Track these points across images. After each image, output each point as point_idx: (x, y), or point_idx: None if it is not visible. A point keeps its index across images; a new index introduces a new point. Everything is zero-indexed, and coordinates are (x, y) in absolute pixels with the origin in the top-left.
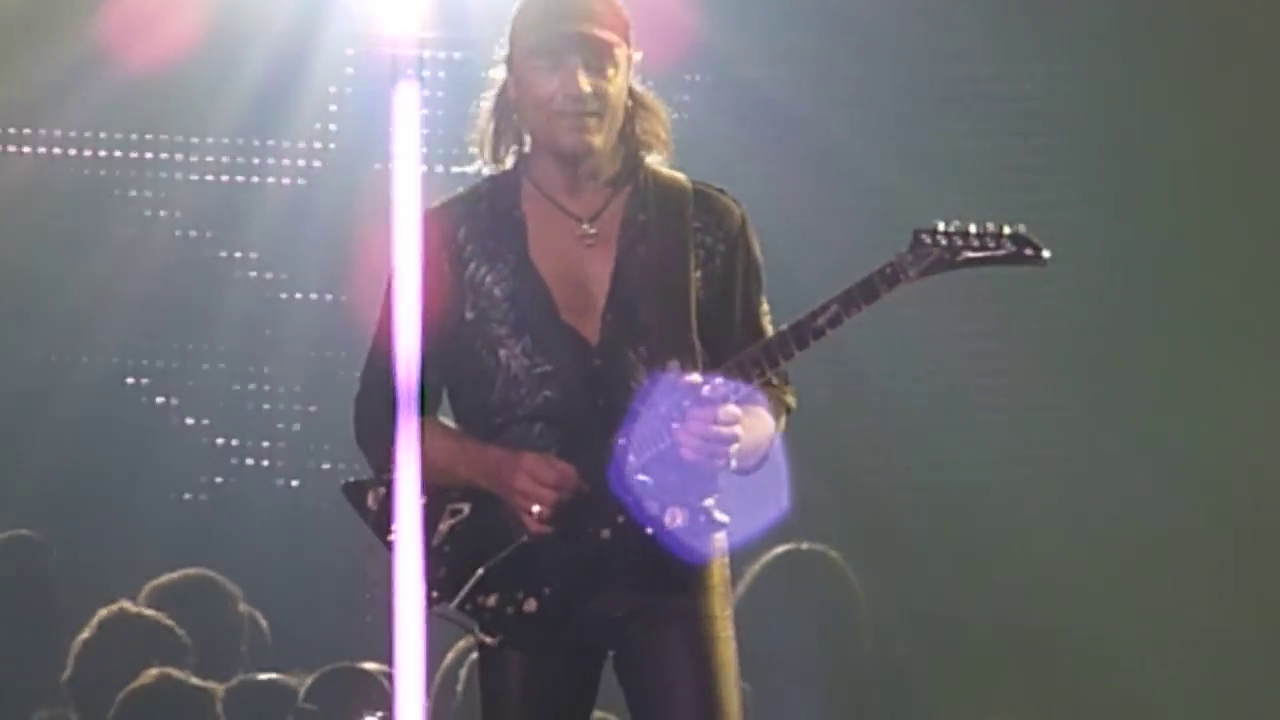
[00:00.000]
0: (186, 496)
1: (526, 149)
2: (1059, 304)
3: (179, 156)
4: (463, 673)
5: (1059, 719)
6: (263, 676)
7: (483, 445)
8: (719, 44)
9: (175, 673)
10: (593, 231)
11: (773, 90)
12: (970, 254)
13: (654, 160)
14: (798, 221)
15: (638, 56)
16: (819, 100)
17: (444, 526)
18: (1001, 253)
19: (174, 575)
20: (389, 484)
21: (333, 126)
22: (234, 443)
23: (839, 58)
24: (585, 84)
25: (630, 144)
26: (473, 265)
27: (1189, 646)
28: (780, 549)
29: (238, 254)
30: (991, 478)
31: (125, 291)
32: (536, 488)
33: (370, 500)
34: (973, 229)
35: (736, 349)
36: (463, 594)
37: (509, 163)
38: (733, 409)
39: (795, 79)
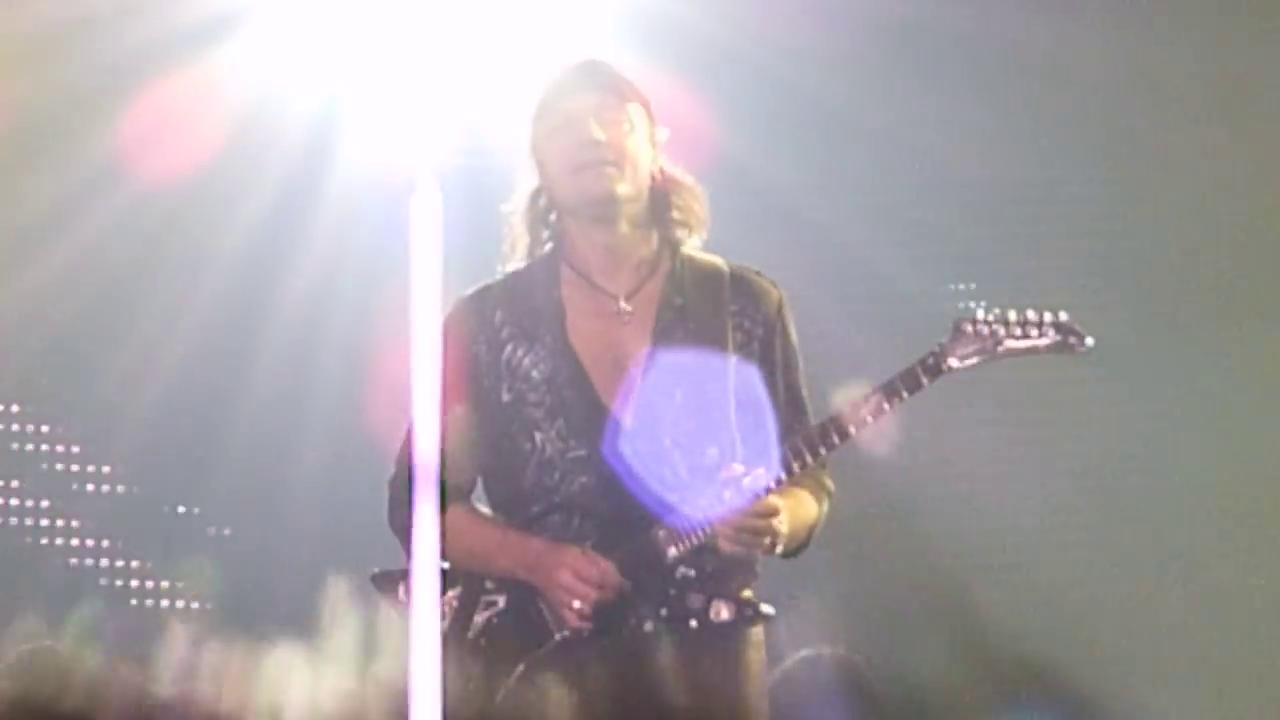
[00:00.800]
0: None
1: (561, 238)
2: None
3: (191, 271)
4: None
5: None
6: None
7: (524, 536)
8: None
9: None
10: (629, 309)
11: (784, 195)
12: (1012, 343)
13: (690, 243)
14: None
15: (663, 134)
16: (831, 203)
17: (479, 619)
18: (1045, 341)
19: None
20: None
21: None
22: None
23: (850, 159)
24: (598, 132)
25: (664, 224)
26: (510, 347)
27: None
28: (804, 653)
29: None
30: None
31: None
32: (579, 584)
33: (401, 592)
34: (1013, 316)
35: (780, 433)
36: (503, 691)
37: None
38: (773, 501)
39: (805, 183)
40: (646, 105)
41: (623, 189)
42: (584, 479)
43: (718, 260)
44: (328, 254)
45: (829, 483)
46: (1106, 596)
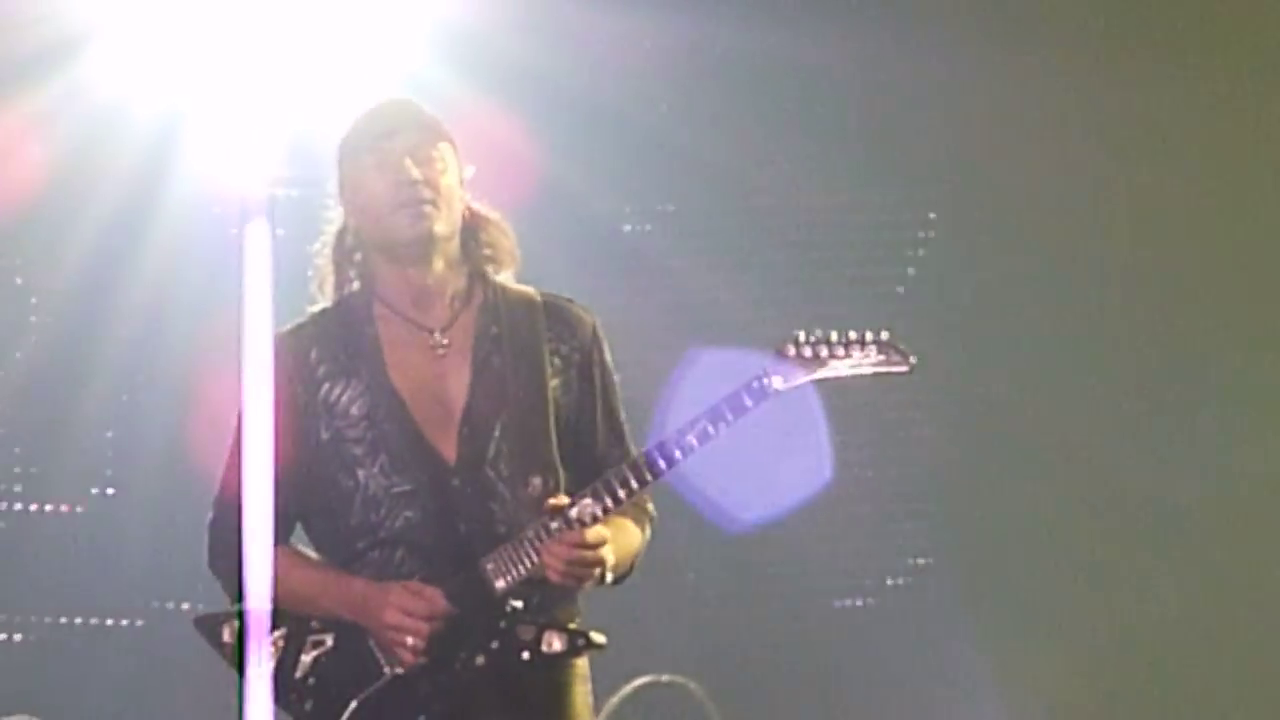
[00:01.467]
0: (17, 638)
1: (370, 275)
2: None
3: (18, 308)
4: None
5: None
6: None
7: (346, 577)
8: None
9: None
10: (445, 342)
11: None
12: (836, 363)
13: (502, 277)
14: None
15: (469, 171)
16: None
17: (307, 658)
18: (868, 360)
19: None
20: (244, 615)
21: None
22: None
23: (691, 201)
24: (414, 170)
25: (474, 259)
26: (327, 385)
27: None
28: (640, 681)
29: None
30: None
31: None
32: (407, 620)
33: (225, 634)
34: (834, 336)
35: (601, 458)
36: None
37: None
38: (600, 531)
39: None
40: (453, 144)
41: (439, 228)
42: (408, 514)
43: (529, 290)
44: (158, 282)
45: (650, 508)
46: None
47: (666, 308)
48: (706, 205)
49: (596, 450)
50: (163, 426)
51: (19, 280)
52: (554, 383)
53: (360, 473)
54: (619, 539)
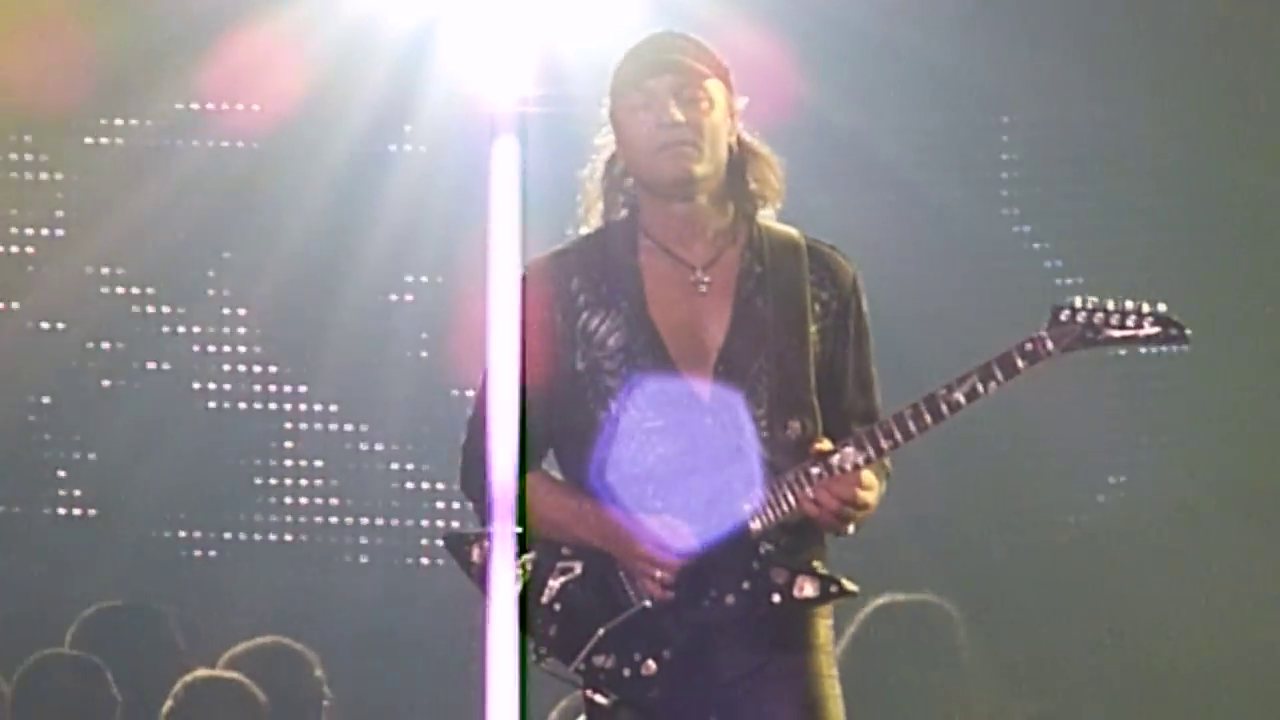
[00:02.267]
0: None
1: (637, 205)
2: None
3: (270, 219)
4: None
5: None
6: None
7: (600, 506)
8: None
9: None
10: (707, 279)
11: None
12: (1112, 332)
13: (764, 214)
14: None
15: (742, 103)
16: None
17: (555, 584)
18: (1144, 333)
19: (250, 644)
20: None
21: (434, 184)
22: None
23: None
24: (677, 113)
25: (741, 195)
26: (586, 315)
27: None
28: (880, 601)
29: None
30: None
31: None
32: (661, 555)
33: (475, 554)
34: (1111, 305)
35: (848, 409)
36: (582, 655)
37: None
38: (870, 478)
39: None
40: (725, 77)
41: (701, 169)
42: (660, 450)
43: (793, 231)
44: (410, 198)
45: (888, 464)
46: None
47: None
48: (968, 126)
49: (844, 402)
50: (414, 341)
51: (270, 206)
52: (813, 328)
53: (613, 405)
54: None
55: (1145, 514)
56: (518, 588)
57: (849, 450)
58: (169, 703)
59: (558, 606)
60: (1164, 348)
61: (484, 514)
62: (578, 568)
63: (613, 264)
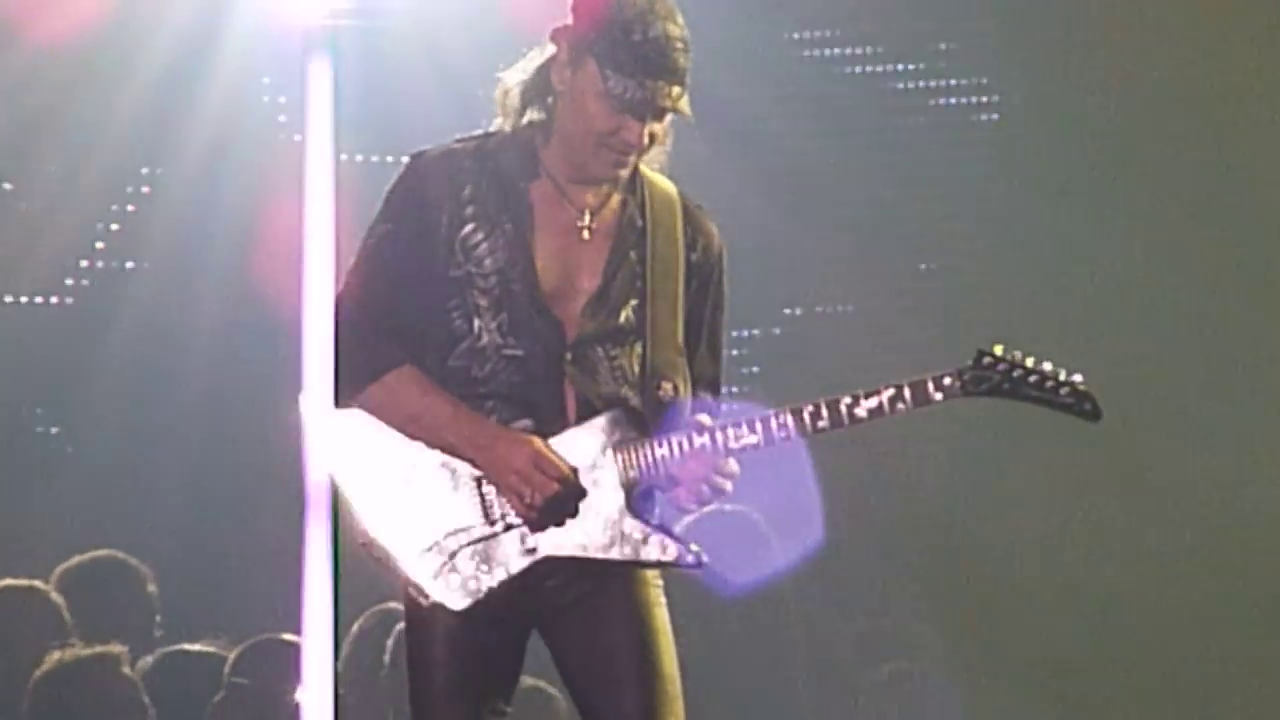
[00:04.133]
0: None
1: (549, 124)
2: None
3: (83, 141)
4: (390, 642)
5: None
6: (190, 648)
7: (478, 416)
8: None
9: (97, 648)
10: (591, 225)
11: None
12: (1028, 391)
13: (647, 158)
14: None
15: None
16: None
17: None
18: (1057, 400)
19: (83, 558)
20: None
21: (246, 102)
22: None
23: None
24: (644, 137)
25: None
26: (470, 226)
27: None
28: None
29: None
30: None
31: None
32: (539, 476)
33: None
34: (1030, 364)
35: (698, 374)
36: (415, 550)
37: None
38: (733, 466)
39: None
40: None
41: (627, 172)
42: (514, 378)
43: (671, 187)
44: (221, 116)
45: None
46: None
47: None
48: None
49: (695, 365)
50: (225, 258)
51: (80, 110)
52: (681, 289)
53: (476, 322)
54: None
55: None
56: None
57: (742, 431)
58: None
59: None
60: (1075, 418)
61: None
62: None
63: (505, 184)
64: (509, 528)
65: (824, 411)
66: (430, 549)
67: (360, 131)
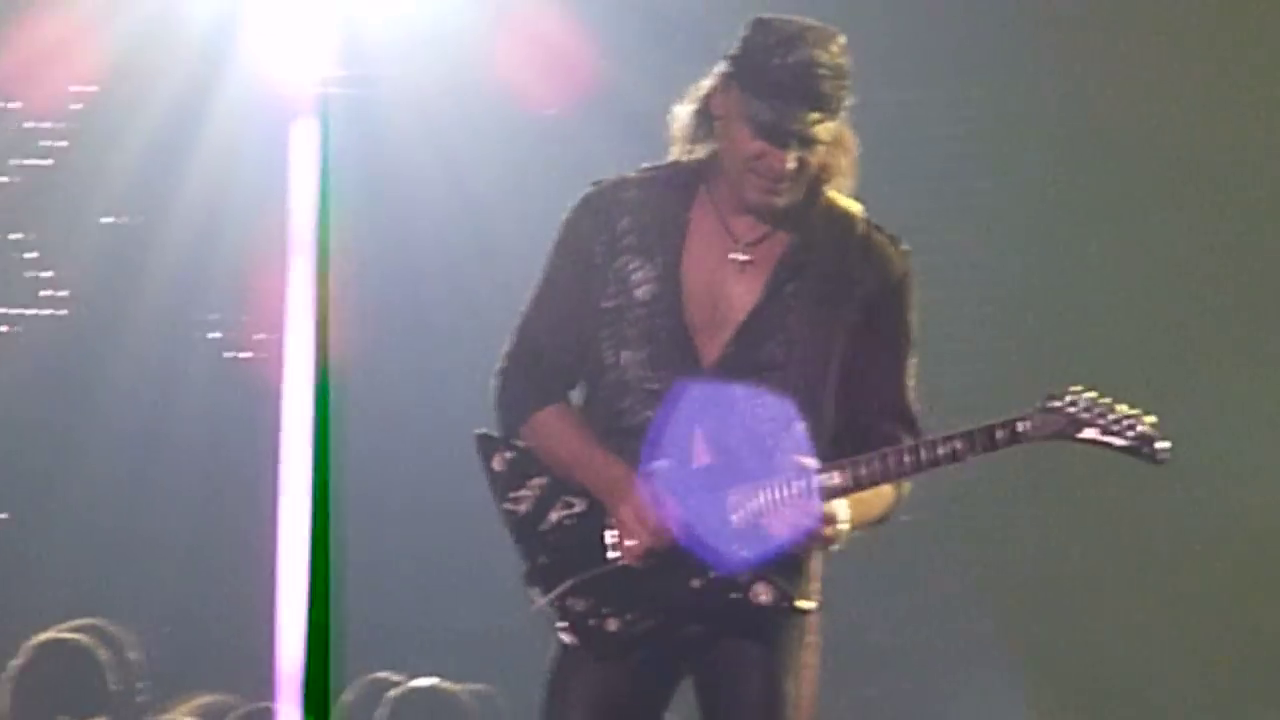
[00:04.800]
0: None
1: (712, 161)
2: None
3: (77, 197)
4: (383, 712)
5: None
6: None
7: (607, 455)
8: None
9: None
10: (746, 258)
11: None
12: (1091, 433)
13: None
14: None
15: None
16: None
17: (554, 516)
18: (1120, 443)
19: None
20: (519, 451)
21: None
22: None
23: None
24: (792, 162)
25: (809, 174)
26: (626, 257)
27: None
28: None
29: (136, 296)
30: None
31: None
32: (636, 526)
33: (496, 461)
34: (1100, 408)
35: (866, 413)
36: (556, 591)
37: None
38: (833, 508)
39: None
40: (848, 93)
41: (784, 201)
42: (649, 413)
43: (856, 213)
44: (213, 180)
45: (906, 486)
46: None
47: None
48: None
49: (866, 398)
50: (215, 323)
51: (76, 177)
52: (845, 328)
53: (623, 354)
54: (859, 506)
55: None
56: (524, 508)
57: (834, 475)
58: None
59: (551, 538)
60: (1134, 457)
61: (506, 430)
62: (578, 506)
63: (666, 215)
64: (624, 571)
65: (908, 456)
66: (570, 589)
67: (350, 195)
